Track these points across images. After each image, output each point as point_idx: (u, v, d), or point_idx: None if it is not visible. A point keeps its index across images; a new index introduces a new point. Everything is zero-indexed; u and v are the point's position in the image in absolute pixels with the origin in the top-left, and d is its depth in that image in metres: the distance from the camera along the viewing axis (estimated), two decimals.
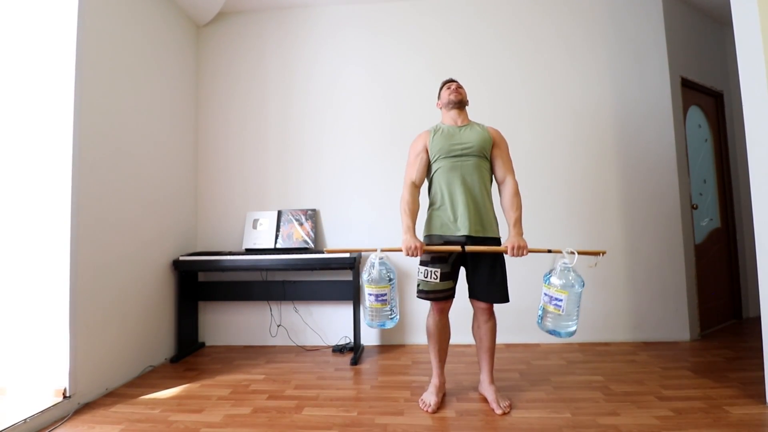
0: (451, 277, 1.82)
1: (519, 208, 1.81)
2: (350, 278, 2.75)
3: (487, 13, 2.97)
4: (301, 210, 2.92)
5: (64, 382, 1.88)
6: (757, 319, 2.19)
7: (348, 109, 2.99)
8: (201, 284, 2.91)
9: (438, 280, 1.79)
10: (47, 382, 1.88)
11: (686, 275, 2.76)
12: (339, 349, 2.72)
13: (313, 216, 2.90)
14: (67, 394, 1.87)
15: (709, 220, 3.17)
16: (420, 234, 1.91)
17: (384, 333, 2.86)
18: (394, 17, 3.02)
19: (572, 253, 1.70)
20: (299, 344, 2.88)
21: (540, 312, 1.74)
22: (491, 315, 1.86)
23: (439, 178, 1.86)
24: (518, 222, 1.78)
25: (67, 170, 1.93)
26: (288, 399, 1.99)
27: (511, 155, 1.93)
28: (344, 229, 2.94)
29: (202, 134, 3.10)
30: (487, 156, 1.87)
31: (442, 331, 1.88)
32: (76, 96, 1.97)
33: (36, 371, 1.90)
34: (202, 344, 2.94)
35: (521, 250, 1.70)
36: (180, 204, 2.86)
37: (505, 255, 1.81)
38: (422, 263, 1.84)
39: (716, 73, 3.29)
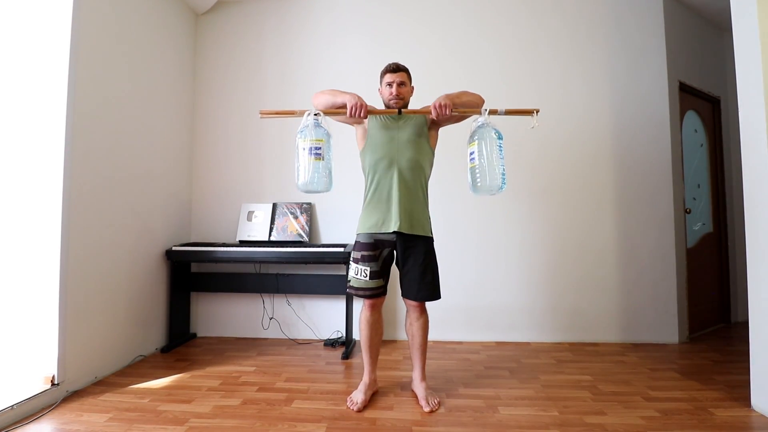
0: (380, 275, 1.84)
1: (467, 91, 1.85)
2: (343, 273, 2.74)
3: (484, 17, 2.96)
4: (297, 203, 2.91)
5: (52, 369, 1.87)
6: (745, 324, 2.22)
7: None
8: (194, 275, 2.90)
9: (367, 278, 1.81)
10: (35, 368, 1.87)
11: (677, 278, 2.79)
12: (331, 343, 2.73)
13: (308, 209, 2.89)
14: (56, 382, 1.86)
15: (701, 224, 3.20)
16: (353, 232, 1.92)
17: None
18: (395, 8, 3.00)
19: (494, 111, 1.76)
20: (291, 337, 2.88)
21: (469, 177, 1.77)
22: (422, 312, 1.89)
23: (374, 170, 1.86)
24: (456, 93, 1.81)
25: (60, 157, 1.91)
26: (278, 391, 2.00)
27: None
28: (339, 223, 2.93)
29: (199, 123, 3.08)
30: (425, 134, 1.88)
31: (373, 327, 1.88)
32: (70, 83, 1.94)
33: (24, 357, 1.89)
34: (194, 335, 2.93)
35: (444, 108, 1.73)
36: (174, 194, 2.84)
37: (436, 256, 1.88)
38: (353, 260, 1.86)
39: (714, 78, 3.31)
